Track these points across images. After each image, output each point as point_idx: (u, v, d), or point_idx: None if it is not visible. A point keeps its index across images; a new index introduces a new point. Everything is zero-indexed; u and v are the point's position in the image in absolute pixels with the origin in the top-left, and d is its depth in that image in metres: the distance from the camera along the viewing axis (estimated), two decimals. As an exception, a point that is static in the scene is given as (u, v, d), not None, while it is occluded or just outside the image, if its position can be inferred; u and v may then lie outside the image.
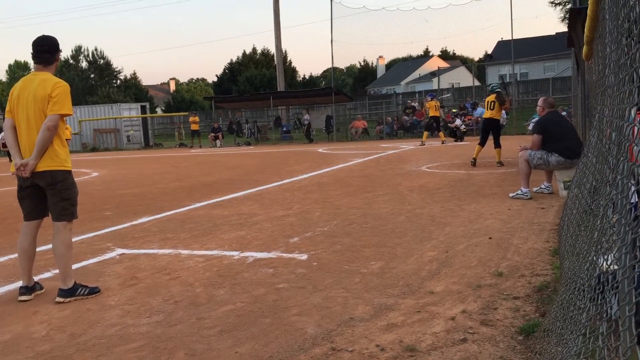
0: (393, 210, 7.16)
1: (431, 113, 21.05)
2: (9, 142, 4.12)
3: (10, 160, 4.63)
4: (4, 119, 4.38)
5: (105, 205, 8.85)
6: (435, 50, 66.29)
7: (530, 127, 20.59)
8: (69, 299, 4.06)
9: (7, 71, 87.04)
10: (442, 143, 20.57)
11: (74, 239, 5.94)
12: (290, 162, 16.28)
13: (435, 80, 47.02)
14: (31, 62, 4.31)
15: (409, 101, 32.22)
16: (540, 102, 8.11)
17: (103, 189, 11.53)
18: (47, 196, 4.16)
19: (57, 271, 4.37)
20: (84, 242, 6.08)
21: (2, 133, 25.94)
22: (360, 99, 45.69)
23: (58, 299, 4.07)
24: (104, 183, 12.88)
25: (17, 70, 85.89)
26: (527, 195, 7.54)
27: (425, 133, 21.96)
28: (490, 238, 5.40)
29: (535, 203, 7.23)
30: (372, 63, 71.51)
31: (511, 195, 7.73)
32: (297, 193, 9.31)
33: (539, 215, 6.47)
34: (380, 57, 70.39)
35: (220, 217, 7.21)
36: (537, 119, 9.74)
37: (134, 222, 7.14)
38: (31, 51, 4.13)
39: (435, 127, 21.82)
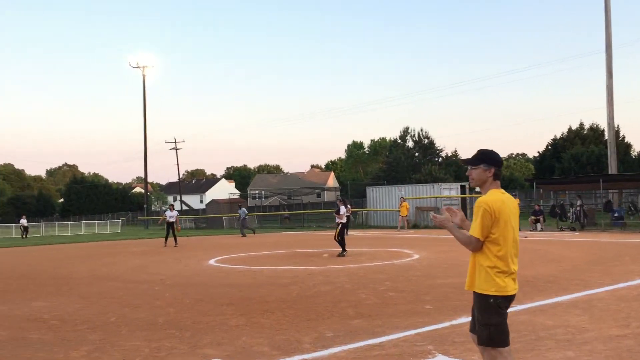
0: None
1: None
2: None
3: None
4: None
5: (425, 297, 8.96)
6: None
7: None
8: None
9: (345, 150, 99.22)
10: None
11: (397, 335, 6.25)
12: (625, 259, 14.40)
13: None
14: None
15: None
16: None
17: (423, 276, 11.92)
18: None
19: None
20: (406, 340, 6.27)
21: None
22: None
23: None
24: (424, 268, 13.33)
25: (354, 149, 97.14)
26: None
27: None
28: None
29: None
30: None
31: None
32: (635, 304, 8.14)
33: None
34: None
35: (544, 328, 6.72)
36: None
37: (453, 322, 7.11)
38: (494, 168, 4.01)
39: None
